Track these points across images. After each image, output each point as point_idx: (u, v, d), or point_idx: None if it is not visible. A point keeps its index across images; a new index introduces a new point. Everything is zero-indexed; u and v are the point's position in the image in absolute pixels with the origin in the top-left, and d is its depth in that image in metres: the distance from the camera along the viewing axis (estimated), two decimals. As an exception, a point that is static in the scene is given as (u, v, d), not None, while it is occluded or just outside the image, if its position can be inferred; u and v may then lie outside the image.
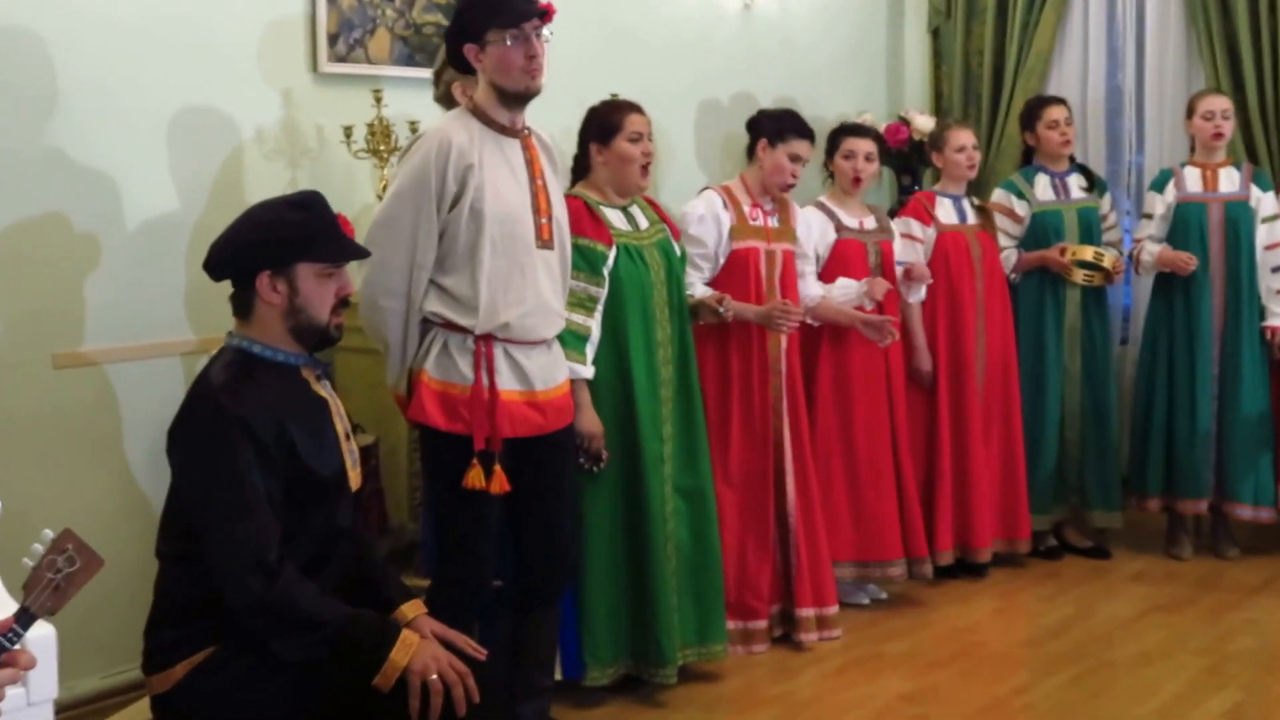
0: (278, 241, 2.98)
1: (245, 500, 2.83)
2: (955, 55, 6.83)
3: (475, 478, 3.57)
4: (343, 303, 3.08)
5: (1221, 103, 5.75)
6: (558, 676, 4.18)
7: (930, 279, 5.28)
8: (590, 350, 4.14)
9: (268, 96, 4.49)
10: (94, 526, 3.75)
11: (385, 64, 4.78)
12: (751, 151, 4.92)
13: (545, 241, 3.70)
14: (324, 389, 3.12)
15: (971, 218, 5.67)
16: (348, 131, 4.48)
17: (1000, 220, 5.79)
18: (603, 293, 4.19)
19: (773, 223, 4.86)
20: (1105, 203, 5.92)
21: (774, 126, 4.85)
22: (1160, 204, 5.83)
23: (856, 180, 5.23)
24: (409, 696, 2.87)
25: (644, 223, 4.38)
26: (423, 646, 2.93)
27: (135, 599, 3.61)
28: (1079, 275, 5.73)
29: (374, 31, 4.75)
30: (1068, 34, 6.60)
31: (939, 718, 4.28)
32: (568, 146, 4.45)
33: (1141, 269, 5.88)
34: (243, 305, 3.03)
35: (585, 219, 4.19)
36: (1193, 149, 5.88)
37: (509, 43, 3.53)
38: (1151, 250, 5.79)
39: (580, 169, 4.39)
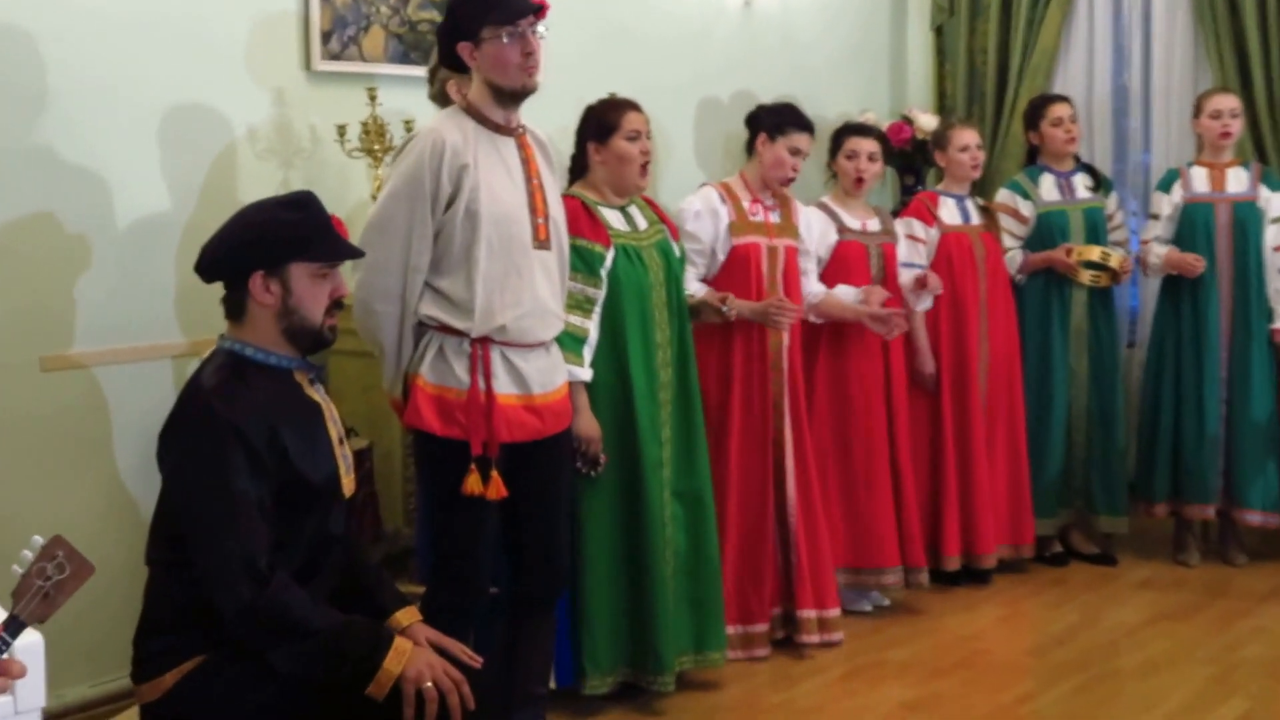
0: (271, 241, 2.98)
1: (235, 507, 2.83)
2: (959, 53, 6.83)
3: (473, 484, 3.56)
4: (337, 304, 3.07)
5: (1229, 101, 5.75)
6: (551, 684, 4.18)
7: (941, 289, 5.25)
8: (588, 353, 4.14)
9: (260, 95, 4.48)
10: (82, 532, 3.75)
11: (379, 62, 4.78)
12: (751, 147, 4.92)
13: (542, 242, 3.69)
14: (317, 393, 3.12)
15: (975, 218, 5.67)
16: (341, 130, 4.47)
17: (1005, 221, 5.79)
18: (601, 294, 4.19)
19: (774, 218, 4.87)
20: (1111, 202, 5.93)
21: (773, 120, 4.86)
22: (1167, 204, 5.83)
23: (859, 180, 5.23)
24: (403, 705, 2.86)
25: (642, 223, 4.38)
26: (417, 654, 2.92)
27: (124, 606, 3.60)
28: (1085, 276, 5.73)
29: (368, 28, 4.74)
30: (1073, 31, 6.60)
31: (942, 727, 4.29)
32: (565, 146, 4.45)
33: (1149, 271, 5.89)
34: (235, 307, 3.03)
35: (583, 219, 4.18)
36: (1200, 148, 5.89)
37: (505, 40, 3.53)
38: (1159, 252, 5.79)
39: (578, 169, 4.39)
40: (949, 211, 5.63)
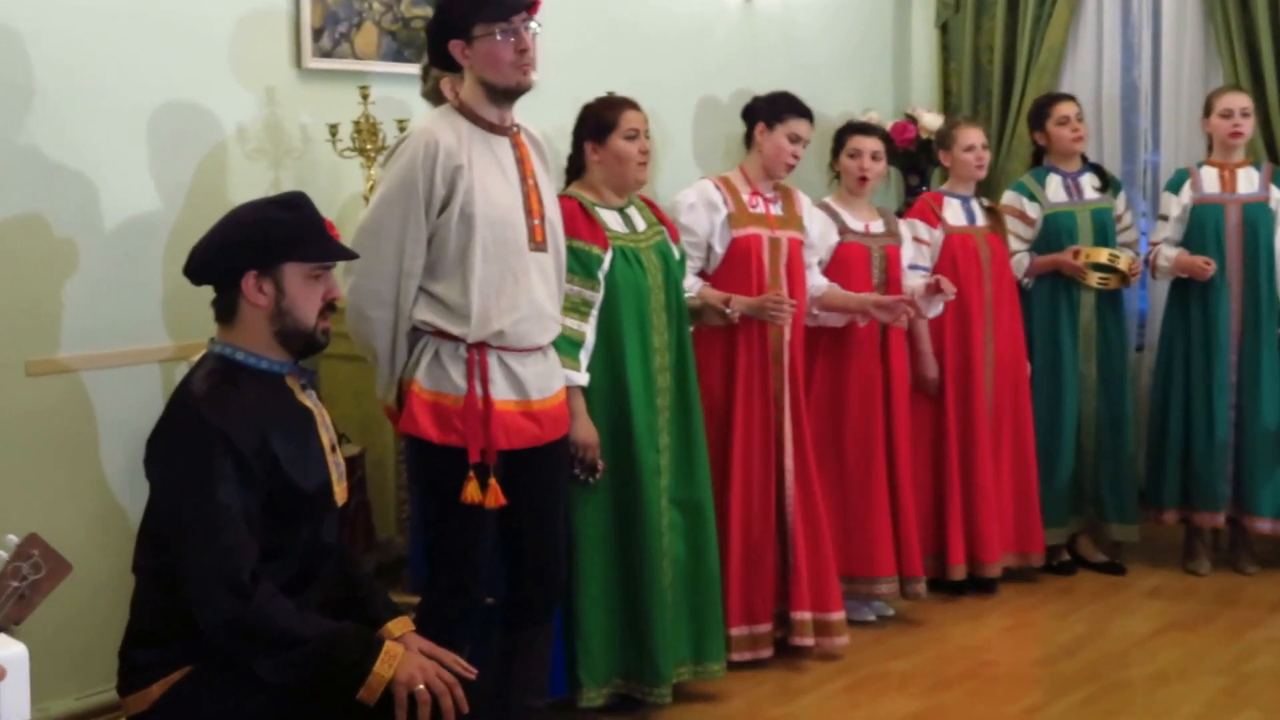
0: (265, 240, 2.98)
1: (219, 518, 2.82)
2: (964, 51, 6.84)
3: (472, 492, 3.55)
4: (330, 306, 3.07)
5: (1240, 100, 5.75)
6: (546, 696, 4.18)
7: (954, 293, 5.23)
8: (585, 357, 4.14)
9: (249, 93, 4.48)
10: (68, 539, 3.74)
11: (372, 59, 4.78)
12: (749, 140, 4.93)
13: (538, 244, 3.69)
14: (309, 399, 3.12)
15: (980, 219, 5.67)
16: (333, 130, 4.47)
17: (1011, 223, 5.79)
18: (598, 297, 4.19)
19: (775, 210, 4.87)
20: (1120, 203, 5.93)
21: (770, 108, 4.88)
22: (1176, 205, 5.83)
23: (863, 179, 5.23)
24: (395, 709, 2.85)
25: (641, 224, 4.38)
26: (407, 657, 2.92)
27: (111, 616, 3.60)
28: (1093, 278, 5.73)
29: (360, 25, 4.74)
30: (1081, 29, 6.60)
31: (948, 740, 4.29)
32: (563, 146, 4.45)
33: (1158, 274, 5.89)
34: (226, 309, 3.02)
35: (580, 221, 4.18)
36: (1210, 148, 5.89)
37: (499, 37, 3.53)
38: (1168, 255, 5.79)
39: (575, 169, 4.39)
40: (953, 212, 5.63)
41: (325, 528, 3.09)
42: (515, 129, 3.71)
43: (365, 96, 4.49)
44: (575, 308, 4.10)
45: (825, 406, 5.11)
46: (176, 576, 2.88)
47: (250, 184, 4.39)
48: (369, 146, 4.48)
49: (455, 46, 3.57)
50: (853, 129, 5.36)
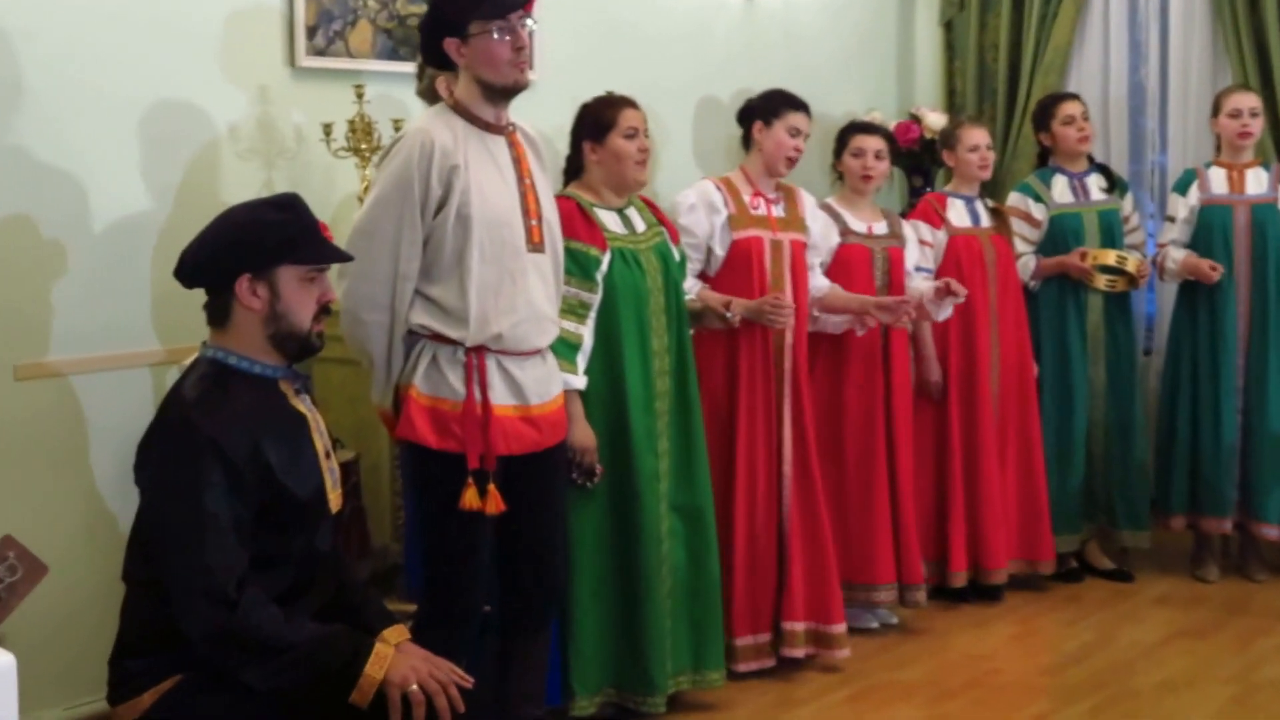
0: (259, 242, 2.97)
1: (204, 528, 2.82)
2: (969, 49, 6.83)
3: (471, 498, 3.55)
4: (324, 310, 3.07)
5: (1249, 100, 5.75)
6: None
7: (965, 294, 5.17)
8: (582, 360, 4.14)
9: (242, 92, 4.47)
10: (57, 546, 3.76)
11: (367, 57, 4.77)
12: (748, 141, 4.93)
13: (536, 245, 3.69)
14: (303, 404, 3.11)
15: (985, 220, 5.66)
16: (327, 129, 4.46)
17: (1017, 225, 5.78)
18: (596, 299, 4.18)
19: (777, 211, 4.86)
20: (1127, 204, 5.92)
21: (765, 105, 4.89)
22: (1183, 207, 5.82)
23: (867, 178, 5.23)
24: (389, 711, 2.85)
25: (641, 225, 4.37)
26: (399, 658, 2.92)
27: (100, 625, 3.59)
28: (1101, 281, 5.72)
29: (355, 23, 4.74)
30: (1088, 27, 6.59)
31: (953, 750, 4.29)
32: (562, 146, 4.45)
33: (1166, 276, 5.88)
34: (219, 312, 3.02)
35: (578, 221, 4.18)
36: (1219, 148, 5.89)
37: (495, 35, 3.53)
38: (1175, 257, 5.78)
39: (573, 169, 4.39)
40: (957, 214, 5.63)
41: (319, 535, 3.09)
42: (511, 128, 3.70)
43: (360, 95, 4.48)
44: (573, 310, 4.10)
45: (825, 410, 5.09)
46: (163, 585, 2.87)
47: (243, 184, 4.38)
48: (364, 146, 4.47)
49: (450, 44, 3.57)
50: (855, 128, 5.36)
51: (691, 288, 4.64)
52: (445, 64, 3.64)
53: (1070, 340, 5.79)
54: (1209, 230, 5.76)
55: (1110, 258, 5.70)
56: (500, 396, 3.61)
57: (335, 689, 2.86)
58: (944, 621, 5.35)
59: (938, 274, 5.41)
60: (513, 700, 3.91)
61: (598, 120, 4.29)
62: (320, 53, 4.63)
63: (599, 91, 4.44)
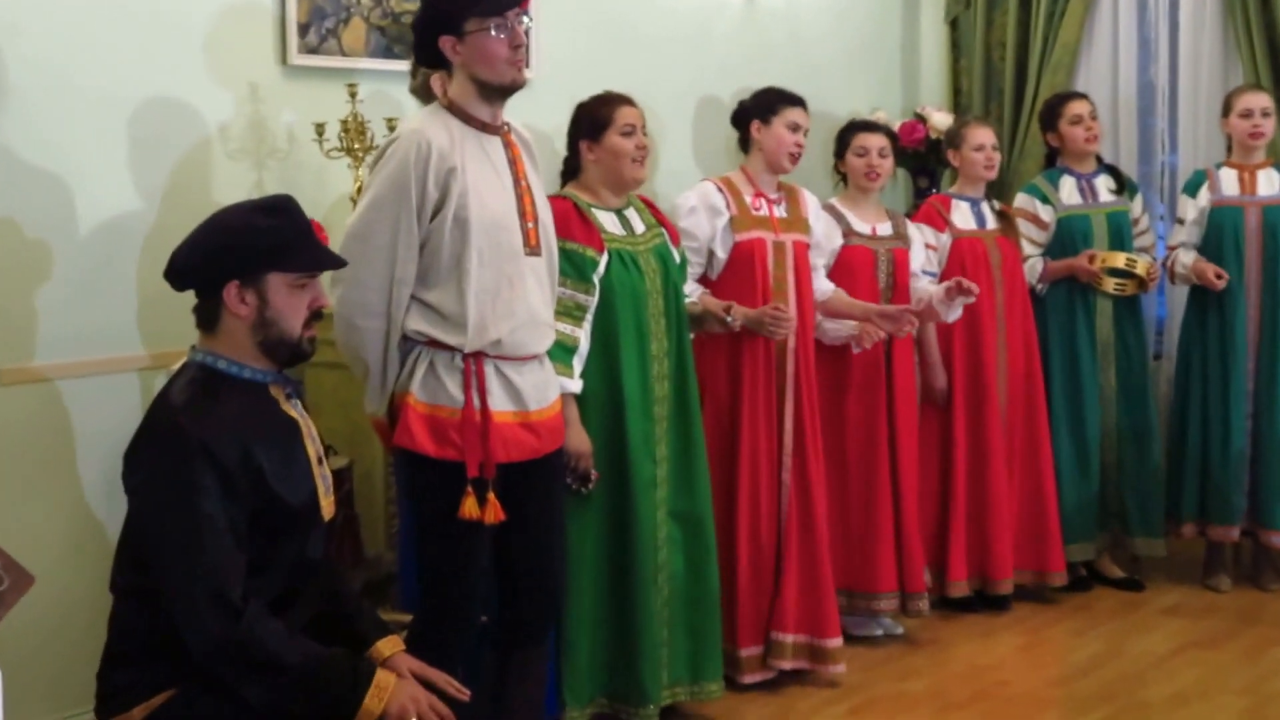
0: (247, 249, 2.96)
1: (204, 532, 2.81)
2: (975, 48, 6.82)
3: (470, 508, 3.53)
4: (316, 315, 3.06)
5: (1261, 100, 5.74)
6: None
7: (977, 293, 5.14)
8: (578, 363, 4.13)
9: (232, 91, 4.46)
10: (43, 556, 3.75)
11: (360, 56, 4.76)
12: (746, 143, 4.92)
13: (533, 248, 3.68)
14: (294, 409, 3.11)
15: (991, 222, 5.66)
16: (319, 129, 4.45)
17: (1024, 227, 5.78)
18: (592, 301, 4.18)
19: (779, 212, 4.85)
20: (1136, 206, 5.92)
21: (761, 103, 4.89)
22: (1193, 209, 5.82)
23: (872, 176, 5.22)
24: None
25: (640, 226, 4.36)
26: (400, 687, 2.92)
27: (87, 636, 3.58)
28: (1110, 284, 5.72)
29: (348, 20, 4.73)
30: (1096, 25, 6.58)
31: (960, 764, 4.28)
32: (559, 146, 4.44)
33: (1176, 279, 5.88)
34: (208, 317, 3.02)
35: (575, 222, 4.17)
36: (1230, 149, 5.89)
37: (493, 32, 3.51)
38: (1184, 261, 5.78)
39: (571, 170, 4.38)
40: (962, 216, 5.62)
41: (311, 543, 3.09)
42: (506, 128, 3.69)
43: (353, 94, 4.47)
44: (568, 312, 4.09)
45: (827, 416, 5.08)
46: (158, 595, 2.87)
47: (232, 185, 4.37)
48: (357, 146, 4.46)
49: (446, 42, 3.55)
50: (856, 127, 5.36)
51: (692, 292, 4.63)
52: (438, 62, 3.62)
53: (1080, 345, 5.78)
54: (1219, 232, 5.76)
55: (1119, 260, 5.70)
56: (499, 403, 3.60)
57: (331, 715, 2.86)
58: (949, 632, 5.35)
59: (941, 278, 5.40)
60: (511, 713, 3.89)
61: (594, 118, 4.28)
62: (312, 50, 4.62)
63: (597, 91, 4.43)
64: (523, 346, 3.64)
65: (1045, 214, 5.82)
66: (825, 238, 5.10)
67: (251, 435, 2.92)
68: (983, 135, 5.64)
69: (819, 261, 5.03)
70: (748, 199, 4.81)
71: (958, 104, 6.90)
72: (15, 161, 3.99)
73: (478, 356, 3.57)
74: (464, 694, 3.11)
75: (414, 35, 3.67)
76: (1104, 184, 5.88)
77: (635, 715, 4.29)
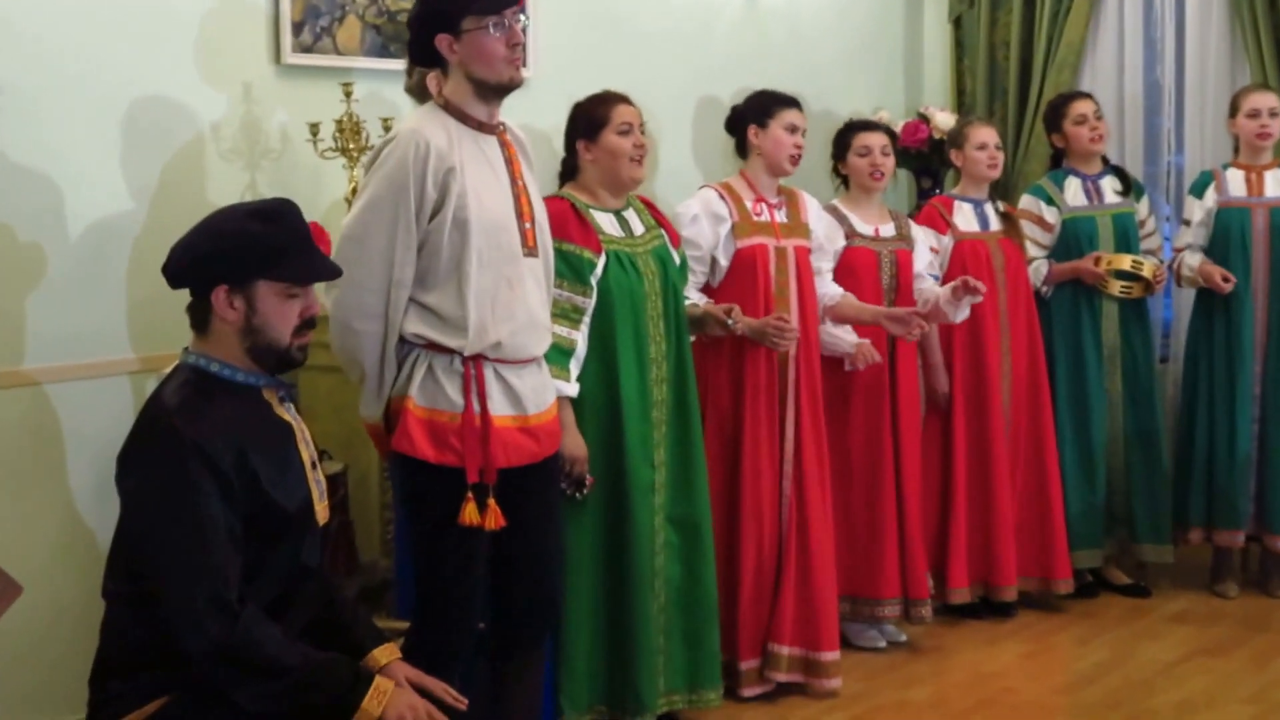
0: (237, 254, 2.96)
1: (201, 533, 2.80)
2: (979, 47, 6.82)
3: (471, 514, 3.52)
4: (307, 323, 3.05)
5: (1269, 100, 5.74)
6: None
7: (984, 291, 5.11)
8: (575, 366, 4.13)
9: (225, 90, 4.45)
10: (33, 563, 3.74)
11: (355, 54, 4.76)
12: (743, 148, 4.91)
13: (530, 249, 3.67)
14: (288, 412, 3.11)
15: (995, 224, 5.65)
16: (314, 129, 4.45)
17: (1028, 229, 5.77)
18: (590, 303, 4.17)
19: (780, 217, 4.85)
20: (1142, 207, 5.91)
21: (756, 107, 4.89)
22: (1199, 210, 5.81)
23: (876, 175, 5.22)
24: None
25: (639, 228, 4.36)
26: (398, 695, 2.92)
27: (75, 643, 3.57)
28: (1116, 287, 5.71)
29: (343, 19, 4.72)
30: (1101, 24, 6.58)
31: (964, 773, 4.27)
32: (556, 146, 4.43)
33: (1183, 282, 5.87)
34: (199, 318, 3.02)
35: (572, 223, 4.17)
36: (1237, 150, 5.88)
37: (491, 31, 3.51)
38: (1191, 263, 5.77)
39: (568, 170, 4.37)
40: (964, 218, 5.61)
41: (305, 549, 3.08)
42: (501, 127, 3.69)
43: (348, 94, 4.47)
44: (565, 314, 4.09)
45: (831, 421, 5.06)
46: (151, 601, 2.86)
47: (225, 186, 4.37)
48: (351, 147, 4.45)
49: (442, 41, 3.55)
50: (856, 127, 5.35)
51: (698, 302, 4.61)
52: (432, 61, 3.62)
53: (1085, 349, 5.77)
54: (1226, 234, 5.75)
55: (1125, 263, 5.69)
56: (499, 407, 3.59)
57: (329, 718, 2.85)
58: (953, 639, 5.34)
59: (943, 282, 5.38)
60: (508, 720, 3.89)
61: (590, 118, 4.28)
62: (307, 49, 4.62)
63: (595, 90, 4.43)
64: (522, 349, 3.63)
65: (1050, 215, 5.81)
66: (827, 239, 5.08)
67: (246, 439, 2.91)
68: (985, 134, 5.63)
69: (825, 265, 5.01)
70: (749, 204, 4.80)
71: (961, 104, 6.90)
72: (6, 162, 3.98)
73: (477, 360, 3.55)
74: (461, 702, 3.10)
75: (410, 33, 3.67)
76: (1110, 185, 5.87)
77: (633, 723, 4.29)
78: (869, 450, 5.15)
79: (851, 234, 5.19)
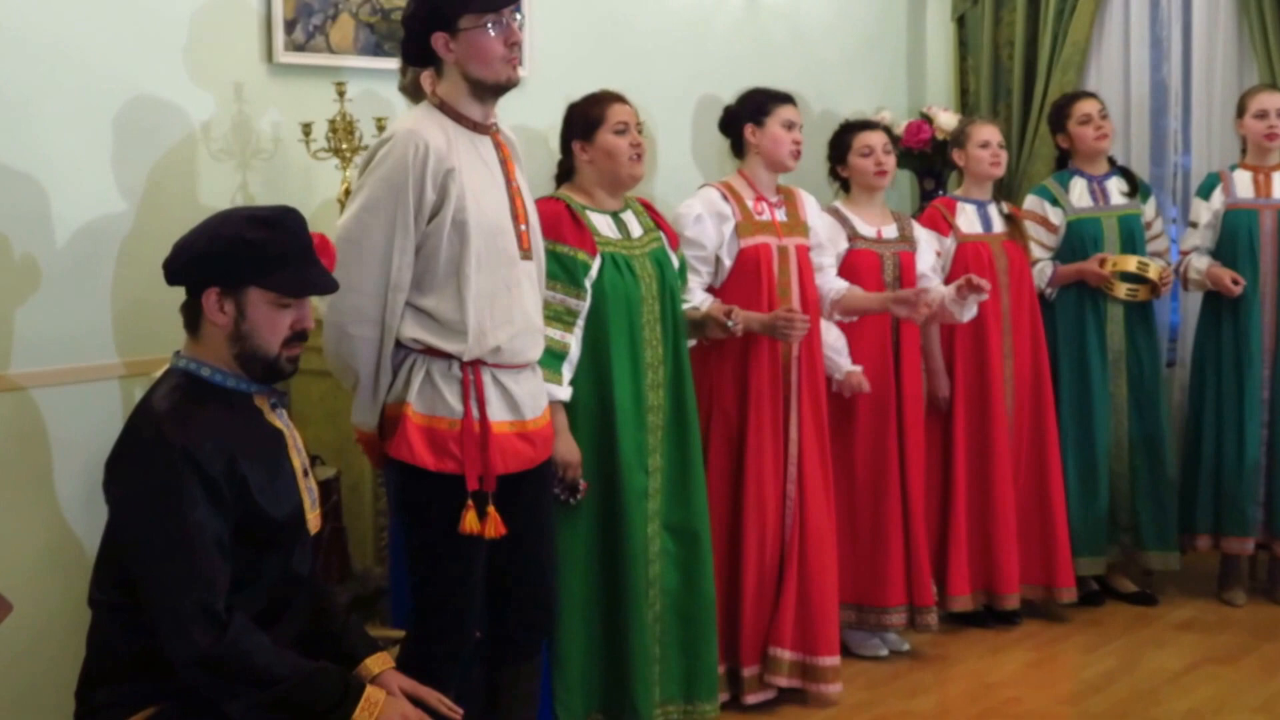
0: (230, 258, 2.96)
1: (190, 542, 2.80)
2: (983, 46, 6.81)
3: (471, 522, 3.50)
4: (299, 335, 3.03)
5: (1277, 100, 5.74)
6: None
7: (989, 289, 5.07)
8: (568, 370, 4.12)
9: (215, 90, 4.43)
10: (19, 571, 3.72)
11: (349, 53, 4.74)
12: (739, 148, 4.91)
13: (526, 252, 3.67)
14: (279, 419, 3.11)
15: (998, 226, 5.64)
16: (306, 129, 4.43)
17: (1033, 230, 5.76)
18: (584, 306, 4.16)
19: (780, 216, 4.84)
20: (1149, 209, 5.91)
21: (750, 107, 4.88)
22: (1206, 212, 5.81)
23: (881, 174, 5.22)
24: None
25: (637, 230, 4.34)
26: (389, 704, 2.92)
27: (62, 651, 3.56)
28: (1121, 289, 5.70)
29: (336, 17, 4.71)
30: (1107, 23, 6.58)
31: (968, 784, 4.26)
32: (553, 146, 4.42)
33: (1190, 285, 5.86)
34: (191, 319, 3.02)
35: (566, 224, 4.16)
36: (1244, 151, 5.88)
37: (490, 29, 3.50)
38: (1198, 266, 5.76)
39: (565, 172, 4.36)
40: (967, 219, 5.60)
41: (297, 558, 3.08)
42: (495, 128, 3.67)
43: (341, 93, 4.45)
44: (558, 317, 4.08)
45: (835, 426, 5.06)
46: (139, 610, 2.86)
47: (215, 187, 4.35)
48: (345, 147, 4.44)
49: (438, 39, 3.54)
50: (856, 127, 5.35)
51: (703, 302, 4.59)
52: (425, 60, 3.61)
53: (1090, 352, 5.76)
54: (1234, 236, 5.75)
55: (1131, 264, 5.68)
56: (497, 413, 3.58)
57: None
58: (957, 648, 5.33)
59: (945, 284, 5.38)
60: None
61: (586, 118, 4.27)
62: (299, 48, 4.60)
63: (593, 90, 4.42)
64: (520, 354, 3.63)
65: (1055, 217, 5.80)
66: (830, 240, 5.08)
67: (236, 446, 2.91)
68: (988, 132, 5.63)
69: (827, 261, 5.01)
70: (750, 204, 4.79)
71: (964, 104, 6.89)
72: (-8, 163, 3.98)
73: (475, 365, 3.55)
74: (456, 712, 3.09)
75: (405, 31, 3.65)
76: (1116, 186, 5.86)
77: (628, 732, 4.27)
78: (874, 455, 5.15)
79: (854, 236, 5.19)
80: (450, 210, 3.48)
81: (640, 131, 4.31)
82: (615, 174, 4.25)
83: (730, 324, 4.48)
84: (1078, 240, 5.78)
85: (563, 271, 4.09)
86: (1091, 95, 5.95)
